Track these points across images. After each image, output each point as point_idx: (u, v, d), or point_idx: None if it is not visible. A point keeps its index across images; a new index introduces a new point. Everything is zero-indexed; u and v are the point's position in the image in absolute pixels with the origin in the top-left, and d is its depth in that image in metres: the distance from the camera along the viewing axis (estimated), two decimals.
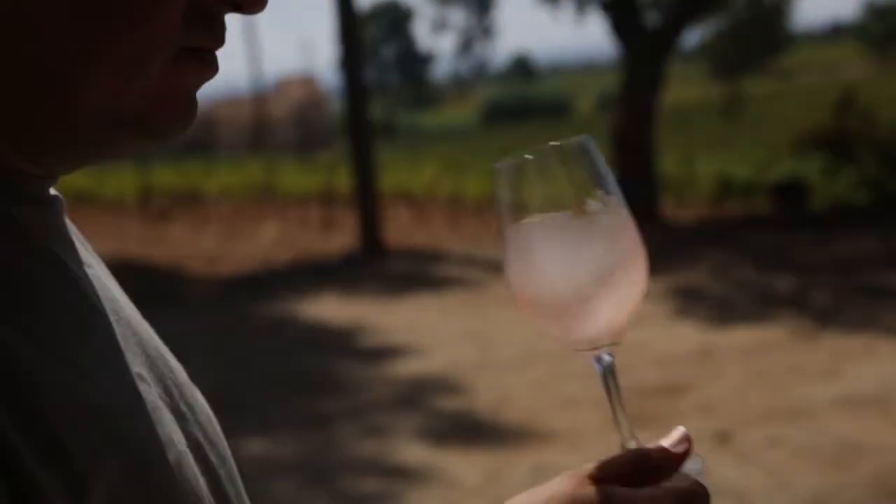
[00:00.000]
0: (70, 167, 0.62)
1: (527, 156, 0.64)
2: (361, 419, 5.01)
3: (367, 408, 5.20)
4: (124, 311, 0.64)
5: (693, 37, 13.41)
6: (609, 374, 0.66)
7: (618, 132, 10.46)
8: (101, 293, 0.62)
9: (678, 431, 0.64)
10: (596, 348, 0.65)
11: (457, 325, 6.66)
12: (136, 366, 0.60)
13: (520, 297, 0.66)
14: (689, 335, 6.01)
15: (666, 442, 0.63)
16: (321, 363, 6.15)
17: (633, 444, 0.64)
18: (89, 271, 0.62)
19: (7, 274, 0.55)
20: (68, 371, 0.53)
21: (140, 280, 9.06)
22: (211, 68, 0.60)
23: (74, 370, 0.54)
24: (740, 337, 5.93)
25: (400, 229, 10.82)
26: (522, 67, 49.34)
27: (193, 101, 0.61)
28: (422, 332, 6.49)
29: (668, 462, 0.63)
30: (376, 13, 42.69)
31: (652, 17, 11.24)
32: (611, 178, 0.66)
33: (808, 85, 29.37)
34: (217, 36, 0.59)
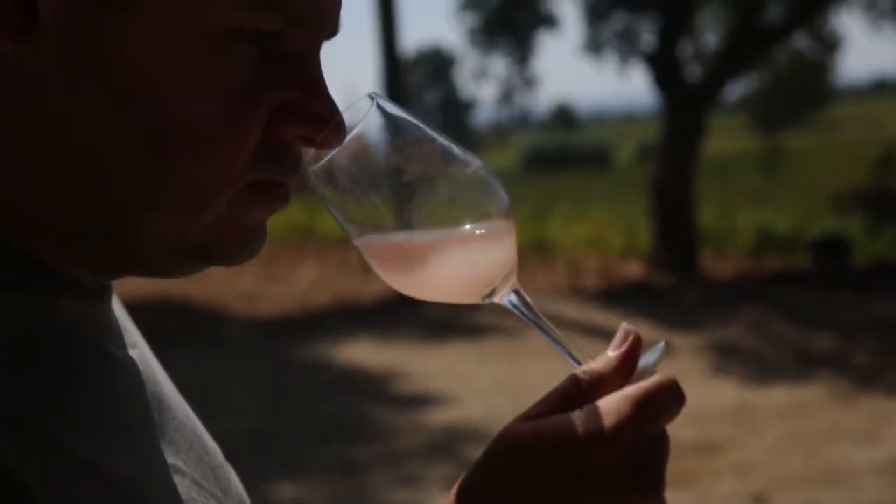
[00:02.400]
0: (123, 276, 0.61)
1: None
2: (394, 466, 5.01)
3: (401, 455, 5.21)
4: (164, 394, 0.64)
5: (735, 90, 13.41)
6: (525, 308, 0.60)
7: (657, 182, 10.46)
8: (145, 375, 0.62)
9: (620, 330, 0.58)
10: (496, 293, 0.60)
11: (492, 374, 6.66)
12: (171, 455, 0.60)
13: (415, 287, 0.62)
14: (725, 392, 5.96)
15: (610, 348, 0.58)
16: (355, 408, 6.16)
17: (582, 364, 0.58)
18: (134, 353, 0.62)
19: (51, 364, 0.55)
20: (104, 461, 0.53)
21: (180, 319, 9.16)
22: (281, 200, 0.58)
23: (110, 461, 0.54)
24: (778, 396, 5.88)
25: None
26: (564, 115, 49.52)
27: (261, 232, 0.59)
28: (457, 379, 6.50)
29: (615, 368, 0.56)
30: (420, 59, 43.12)
31: (693, 71, 11.28)
32: (412, 127, 0.59)
33: (851, 139, 29.17)
34: (289, 169, 0.58)
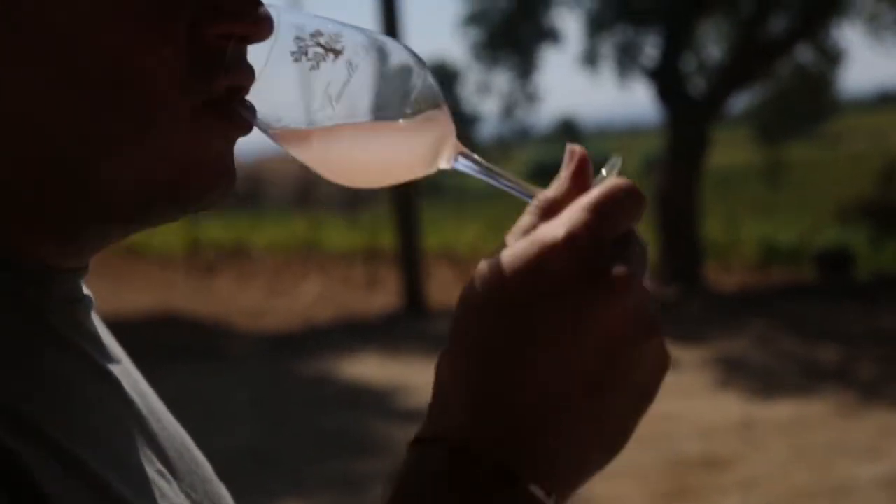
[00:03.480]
0: (102, 245, 0.60)
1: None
2: None
3: None
4: (152, 405, 0.64)
5: (738, 102, 13.43)
6: (474, 164, 0.59)
7: (661, 195, 10.47)
8: (129, 385, 0.62)
9: (566, 152, 0.56)
10: (441, 161, 0.59)
11: None
12: (161, 462, 0.60)
13: (375, 176, 0.60)
14: (730, 407, 5.94)
15: (562, 172, 0.55)
16: (360, 423, 6.16)
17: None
18: (117, 368, 0.62)
19: (39, 371, 0.55)
20: (93, 463, 0.53)
21: (185, 333, 9.17)
22: (237, 125, 0.57)
23: (97, 463, 0.54)
24: (783, 410, 5.86)
25: (443, 289, 10.86)
26: (568, 128, 49.61)
27: (226, 166, 0.58)
28: None
29: (567, 188, 0.54)
30: None
31: (697, 84, 11.30)
32: (326, 25, 0.58)
33: (854, 152, 29.18)
34: (230, 73, 0.55)
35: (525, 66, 13.71)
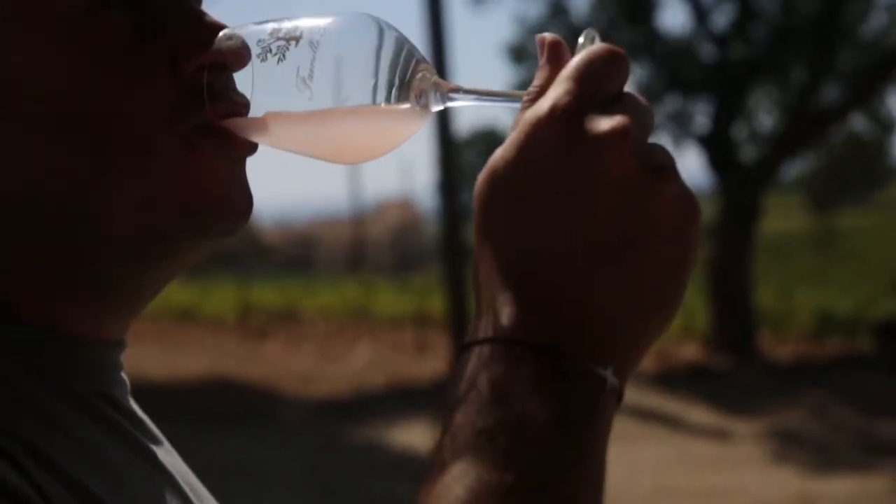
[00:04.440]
0: (133, 300, 0.61)
1: None
2: None
3: None
4: (193, 483, 0.65)
5: (791, 169, 13.36)
6: (467, 96, 0.58)
7: (714, 263, 10.39)
8: (171, 464, 0.64)
9: (538, 45, 0.54)
10: (429, 104, 0.58)
11: None
12: None
13: (369, 151, 0.59)
14: (786, 481, 5.82)
15: (540, 62, 0.54)
16: (410, 491, 6.11)
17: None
18: (159, 448, 0.63)
19: (79, 441, 0.56)
20: None
21: (236, 398, 9.22)
22: (227, 141, 0.58)
23: None
24: (841, 486, 5.72)
25: None
26: None
27: (234, 187, 0.59)
28: None
29: (548, 72, 0.53)
30: (474, 139, 43.61)
31: (748, 151, 11.26)
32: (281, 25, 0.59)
33: None
34: (220, 101, 0.57)
35: None
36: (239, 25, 0.60)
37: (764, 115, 11.99)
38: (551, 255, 0.50)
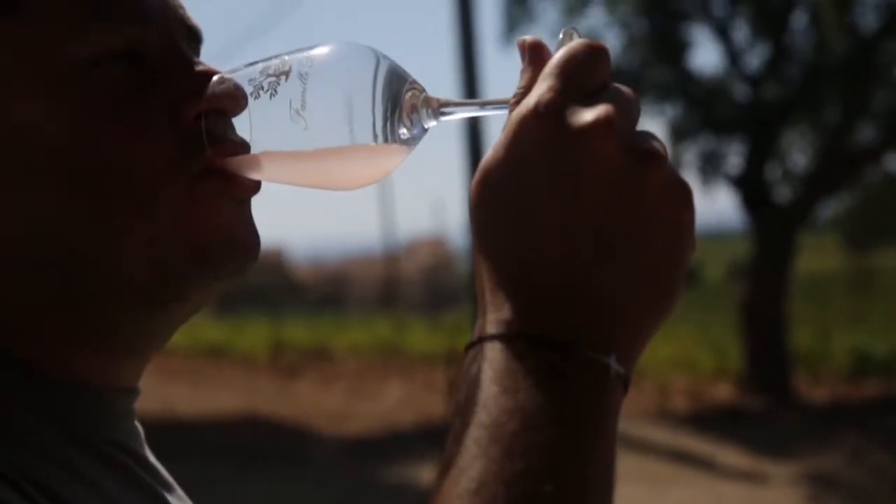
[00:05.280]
0: (146, 342, 0.62)
1: None
2: None
3: None
4: None
5: (826, 209, 13.26)
6: (458, 108, 0.59)
7: (748, 302, 10.31)
8: None
9: (518, 49, 0.55)
10: (424, 122, 0.59)
11: None
12: None
13: (374, 171, 0.60)
14: None
15: (522, 64, 0.55)
16: None
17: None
18: (172, 496, 0.64)
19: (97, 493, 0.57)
20: None
21: (267, 436, 9.23)
22: (228, 182, 0.60)
23: None
24: None
25: None
26: None
27: (240, 227, 0.61)
28: None
29: (531, 72, 0.53)
30: None
31: (782, 191, 11.20)
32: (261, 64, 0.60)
33: None
34: (220, 144, 0.59)
35: None
36: (229, 70, 0.62)
37: (797, 155, 11.93)
38: (546, 250, 0.50)
